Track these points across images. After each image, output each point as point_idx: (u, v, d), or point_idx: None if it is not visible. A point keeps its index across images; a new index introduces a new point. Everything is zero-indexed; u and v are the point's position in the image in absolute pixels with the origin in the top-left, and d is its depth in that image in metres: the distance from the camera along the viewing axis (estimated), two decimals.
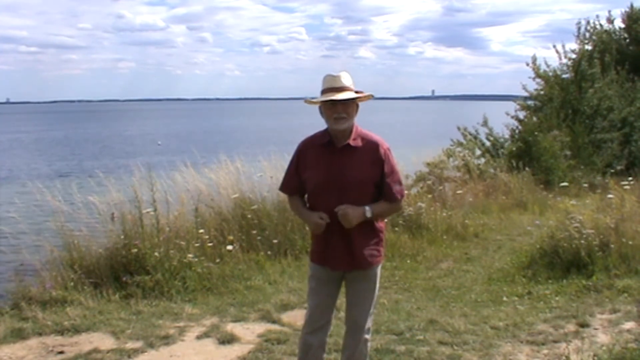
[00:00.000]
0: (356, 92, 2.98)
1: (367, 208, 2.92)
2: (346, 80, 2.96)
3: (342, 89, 2.92)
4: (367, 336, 3.14)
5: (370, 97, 3.03)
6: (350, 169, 2.94)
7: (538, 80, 16.25)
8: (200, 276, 5.71)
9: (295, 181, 3.12)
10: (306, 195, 3.14)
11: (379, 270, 3.13)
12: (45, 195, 6.35)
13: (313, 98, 3.01)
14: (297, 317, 4.77)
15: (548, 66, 16.30)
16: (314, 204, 3.05)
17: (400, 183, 3.05)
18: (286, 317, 4.89)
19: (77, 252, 5.73)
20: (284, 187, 3.21)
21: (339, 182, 2.93)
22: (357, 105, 3.02)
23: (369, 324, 3.14)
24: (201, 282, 5.67)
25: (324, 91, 2.96)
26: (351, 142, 2.97)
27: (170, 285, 5.48)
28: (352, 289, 3.12)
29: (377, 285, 3.14)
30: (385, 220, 3.25)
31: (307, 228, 3.29)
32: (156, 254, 5.62)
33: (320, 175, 2.98)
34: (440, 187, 10.41)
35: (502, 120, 15.51)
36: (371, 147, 2.99)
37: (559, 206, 7.98)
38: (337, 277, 3.11)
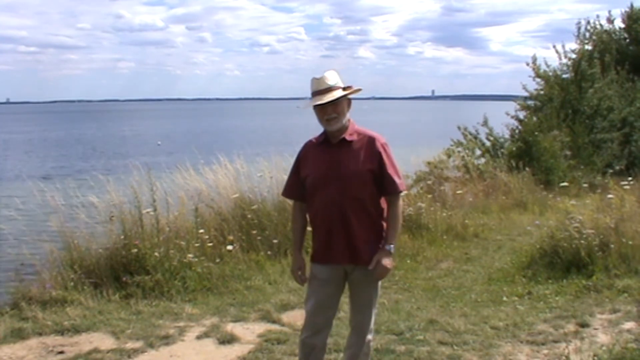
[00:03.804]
0: (344, 88, 3.00)
1: (387, 247, 2.97)
2: (331, 79, 2.98)
3: (327, 89, 2.95)
4: (369, 336, 3.19)
5: (359, 90, 3.04)
6: (347, 161, 2.98)
7: (538, 80, 16.21)
8: (200, 276, 5.71)
9: (296, 184, 3.15)
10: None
11: None
12: (45, 195, 6.35)
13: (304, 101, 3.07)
14: (297, 317, 4.76)
15: (548, 66, 16.27)
16: (313, 197, 3.06)
17: (400, 177, 3.06)
18: (286, 317, 4.89)
19: (77, 252, 5.73)
20: (286, 191, 3.27)
21: (337, 174, 2.96)
22: (350, 101, 3.05)
23: (372, 324, 3.19)
24: (201, 282, 5.68)
25: (312, 94, 3.01)
26: (347, 137, 3.01)
27: (170, 285, 5.49)
28: (355, 291, 3.13)
29: (379, 285, 3.17)
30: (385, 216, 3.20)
31: (309, 228, 3.29)
32: (156, 254, 5.62)
33: (320, 169, 3.02)
34: (441, 187, 10.40)
35: (502, 120, 15.47)
36: (367, 141, 3.03)
37: (559, 206, 7.98)
38: (340, 276, 3.10)
